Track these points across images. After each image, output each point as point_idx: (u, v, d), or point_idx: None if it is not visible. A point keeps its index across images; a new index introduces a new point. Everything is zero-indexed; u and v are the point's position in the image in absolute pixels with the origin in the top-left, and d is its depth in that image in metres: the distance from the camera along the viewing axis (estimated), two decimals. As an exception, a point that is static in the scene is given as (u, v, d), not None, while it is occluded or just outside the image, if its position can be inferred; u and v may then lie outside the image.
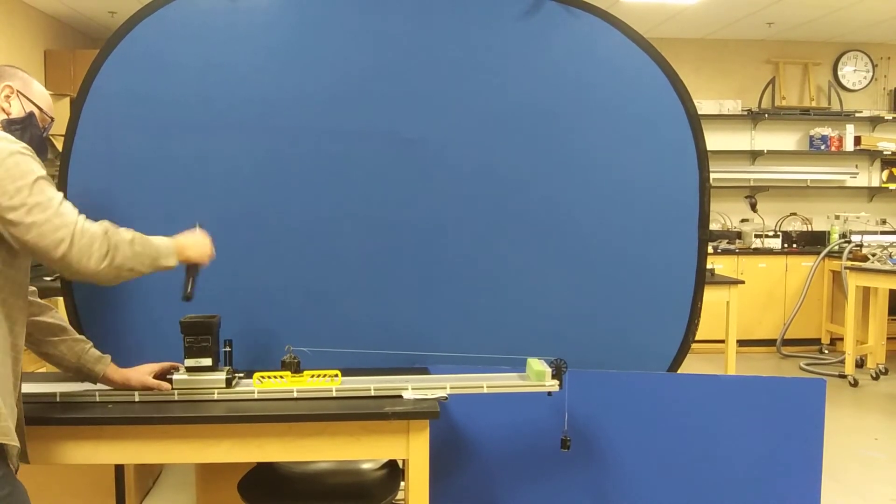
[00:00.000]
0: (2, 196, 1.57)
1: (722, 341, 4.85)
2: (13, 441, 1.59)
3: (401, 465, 2.28)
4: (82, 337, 2.00)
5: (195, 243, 1.91)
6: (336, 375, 2.06)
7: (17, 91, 1.85)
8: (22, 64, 5.81)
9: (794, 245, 7.25)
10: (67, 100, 5.64)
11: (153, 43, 2.33)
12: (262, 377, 2.05)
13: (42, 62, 6.19)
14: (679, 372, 2.51)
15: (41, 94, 1.91)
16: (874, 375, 5.93)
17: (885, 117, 7.28)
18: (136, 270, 1.74)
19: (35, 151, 1.76)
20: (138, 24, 2.33)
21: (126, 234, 1.73)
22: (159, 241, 1.82)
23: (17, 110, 1.84)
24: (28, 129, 1.85)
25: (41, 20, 6.18)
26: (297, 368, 2.19)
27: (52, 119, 1.94)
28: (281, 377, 2.03)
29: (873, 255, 5.82)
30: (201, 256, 1.92)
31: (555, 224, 2.46)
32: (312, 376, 2.04)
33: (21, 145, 1.65)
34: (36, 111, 1.88)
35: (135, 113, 2.08)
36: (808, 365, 6.30)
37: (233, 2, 2.36)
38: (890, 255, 5.70)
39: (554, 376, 2.08)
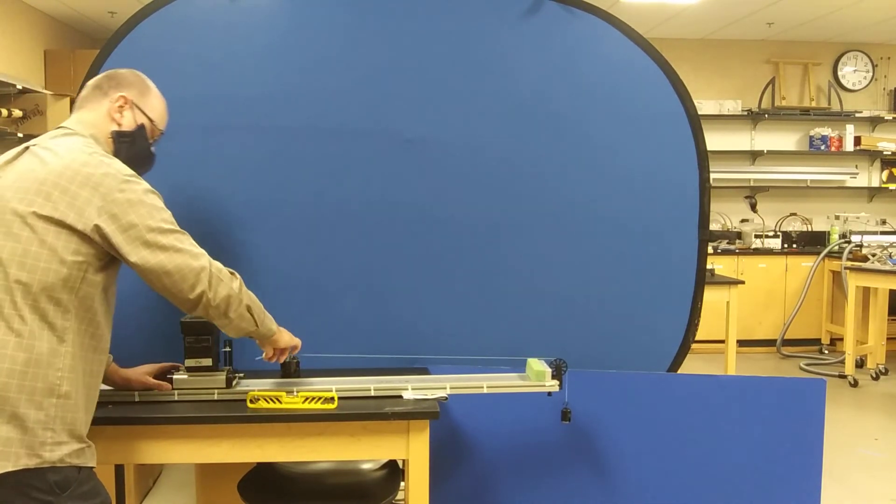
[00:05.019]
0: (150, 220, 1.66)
1: (722, 341, 4.85)
2: (93, 462, 1.67)
3: (401, 465, 2.28)
4: None
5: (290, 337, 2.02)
6: (332, 398, 1.96)
7: (132, 102, 1.84)
8: (22, 64, 5.83)
9: (794, 245, 7.25)
10: (67, 100, 5.64)
11: (153, 43, 2.33)
12: (256, 397, 1.96)
13: (42, 62, 6.19)
14: (679, 372, 2.51)
15: (155, 105, 1.90)
16: (874, 375, 5.93)
17: (885, 117, 7.28)
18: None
19: (140, 164, 1.83)
20: (138, 25, 2.33)
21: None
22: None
23: (128, 122, 1.83)
24: (137, 142, 1.84)
25: (41, 20, 6.18)
26: (296, 369, 2.19)
27: (162, 132, 1.94)
28: (277, 399, 1.95)
29: (873, 255, 5.83)
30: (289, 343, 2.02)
31: (554, 224, 2.46)
32: (307, 399, 1.95)
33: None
34: (147, 123, 1.86)
35: (135, 113, 2.09)
36: (808, 365, 6.30)
37: (232, 2, 2.36)
38: (890, 256, 5.70)
39: (554, 376, 2.08)
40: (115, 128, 1.81)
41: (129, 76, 1.88)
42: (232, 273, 1.79)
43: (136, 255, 1.64)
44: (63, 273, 1.59)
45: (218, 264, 1.75)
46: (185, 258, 1.68)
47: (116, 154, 1.79)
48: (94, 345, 1.69)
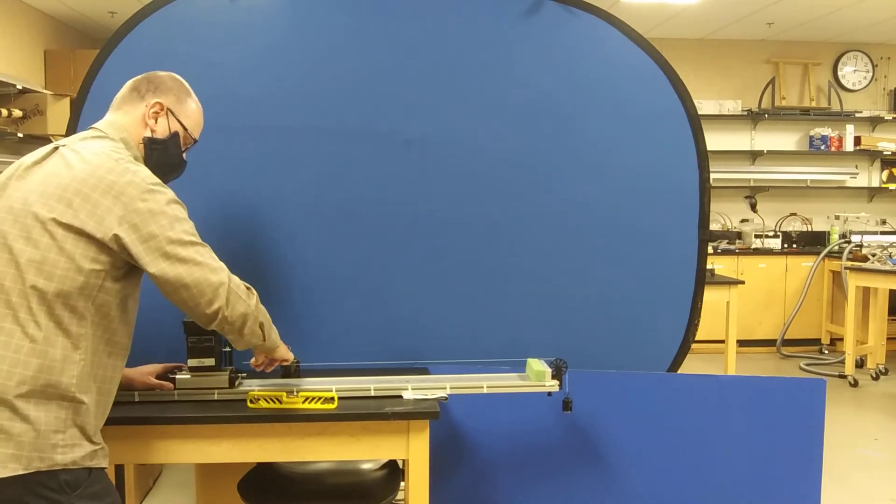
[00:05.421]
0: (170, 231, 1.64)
1: (722, 341, 4.85)
2: (105, 463, 1.69)
3: (401, 465, 2.28)
4: None
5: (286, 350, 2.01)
6: (332, 398, 1.96)
7: (168, 109, 1.82)
8: (22, 64, 5.83)
9: (794, 245, 7.25)
10: (67, 100, 5.64)
11: (153, 43, 2.33)
12: (256, 397, 1.96)
13: (42, 62, 6.19)
14: (679, 372, 2.51)
15: (191, 113, 1.89)
16: (874, 375, 5.93)
17: (885, 117, 7.28)
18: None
19: (170, 171, 1.84)
20: (138, 25, 2.33)
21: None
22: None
23: (162, 129, 1.81)
24: (169, 149, 1.82)
25: (41, 20, 6.18)
26: (297, 369, 2.19)
27: (195, 140, 1.92)
28: (277, 399, 1.95)
29: (873, 255, 5.83)
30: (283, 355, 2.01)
31: (554, 224, 2.46)
32: (307, 399, 1.95)
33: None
34: (181, 131, 1.85)
35: (135, 113, 2.09)
36: (808, 365, 6.30)
37: (233, 2, 2.36)
38: (890, 255, 5.70)
39: (554, 376, 2.08)
40: (148, 134, 1.80)
41: (169, 81, 1.86)
42: (248, 288, 1.77)
43: (154, 266, 1.62)
44: (80, 281, 1.58)
45: (236, 279, 1.73)
46: (204, 272, 1.66)
47: (147, 160, 1.78)
48: (110, 350, 1.68)
